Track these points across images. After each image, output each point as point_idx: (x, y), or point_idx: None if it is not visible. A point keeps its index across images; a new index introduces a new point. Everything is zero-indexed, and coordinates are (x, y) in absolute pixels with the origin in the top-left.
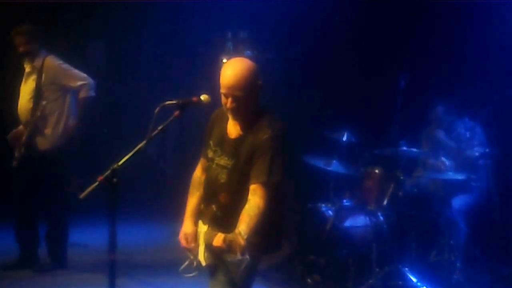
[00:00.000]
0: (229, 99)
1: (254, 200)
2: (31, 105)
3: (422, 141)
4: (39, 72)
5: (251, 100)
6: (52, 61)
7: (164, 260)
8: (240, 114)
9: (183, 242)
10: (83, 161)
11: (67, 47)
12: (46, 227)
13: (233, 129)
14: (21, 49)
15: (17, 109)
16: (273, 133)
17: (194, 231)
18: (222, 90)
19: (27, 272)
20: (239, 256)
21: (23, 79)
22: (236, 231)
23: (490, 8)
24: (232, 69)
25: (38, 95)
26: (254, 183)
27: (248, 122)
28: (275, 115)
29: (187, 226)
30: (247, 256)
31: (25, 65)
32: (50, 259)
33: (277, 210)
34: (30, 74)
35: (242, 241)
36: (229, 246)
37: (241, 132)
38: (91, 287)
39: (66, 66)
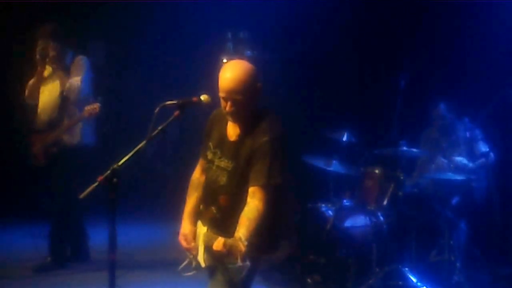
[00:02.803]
0: (229, 103)
1: (253, 202)
2: (58, 103)
3: (421, 142)
4: (67, 70)
5: (250, 103)
6: (82, 61)
7: (163, 259)
8: (239, 117)
9: (183, 243)
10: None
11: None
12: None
13: (232, 131)
14: (52, 51)
15: (31, 108)
16: (272, 135)
17: (192, 231)
18: (221, 94)
19: (27, 272)
20: (239, 263)
21: (48, 77)
22: (236, 236)
23: (490, 8)
24: (231, 73)
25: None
26: (253, 186)
27: (247, 124)
28: (275, 117)
29: (185, 227)
30: (248, 263)
31: (49, 65)
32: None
33: (276, 211)
34: (55, 72)
35: (242, 247)
36: (229, 251)
37: (240, 134)
38: (91, 287)
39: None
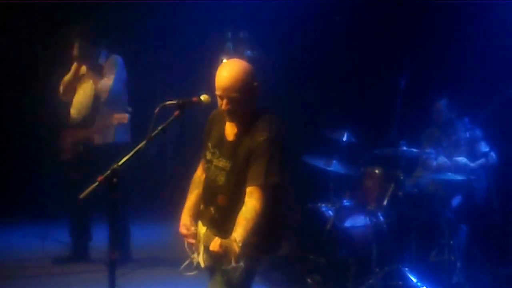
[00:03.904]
0: (225, 101)
1: (251, 202)
2: (90, 102)
3: (423, 141)
4: (100, 70)
5: (246, 101)
6: (114, 61)
7: (164, 259)
8: (236, 115)
9: (183, 231)
10: None
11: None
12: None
13: (230, 130)
14: (86, 51)
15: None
16: (270, 134)
17: (191, 221)
18: (217, 92)
19: (27, 272)
20: (233, 263)
21: (82, 77)
22: (232, 237)
23: (490, 8)
24: (227, 71)
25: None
26: (251, 185)
27: (245, 123)
28: (273, 116)
29: (184, 218)
30: (242, 264)
31: (83, 64)
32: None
33: (275, 211)
34: (89, 71)
35: (237, 248)
36: (224, 252)
37: (238, 134)
38: (91, 287)
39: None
